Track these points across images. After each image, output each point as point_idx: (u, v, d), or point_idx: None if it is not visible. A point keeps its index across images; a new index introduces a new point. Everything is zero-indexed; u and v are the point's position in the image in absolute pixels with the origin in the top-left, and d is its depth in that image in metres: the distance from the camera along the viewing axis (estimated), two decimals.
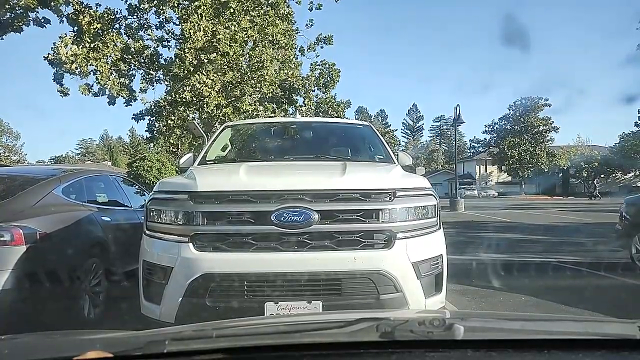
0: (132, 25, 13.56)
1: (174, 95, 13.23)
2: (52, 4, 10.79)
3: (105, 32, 12.36)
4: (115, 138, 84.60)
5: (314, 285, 2.64)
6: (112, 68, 12.63)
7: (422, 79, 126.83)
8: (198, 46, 11.81)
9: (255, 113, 13.74)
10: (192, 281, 2.62)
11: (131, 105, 13.65)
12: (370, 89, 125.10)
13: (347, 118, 20.87)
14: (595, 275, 5.94)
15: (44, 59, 12.02)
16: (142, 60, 13.70)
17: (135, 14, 13.41)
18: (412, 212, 2.82)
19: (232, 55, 12.22)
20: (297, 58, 17.10)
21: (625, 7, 77.80)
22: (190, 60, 11.90)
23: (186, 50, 11.91)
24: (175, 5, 12.91)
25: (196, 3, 11.90)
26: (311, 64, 17.54)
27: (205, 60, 12.03)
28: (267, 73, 13.28)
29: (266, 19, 13.59)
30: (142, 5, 13.02)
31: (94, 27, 11.86)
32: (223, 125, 4.99)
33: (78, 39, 11.76)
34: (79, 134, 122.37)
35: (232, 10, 12.46)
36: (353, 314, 1.61)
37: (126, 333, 1.22)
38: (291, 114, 15.84)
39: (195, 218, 2.71)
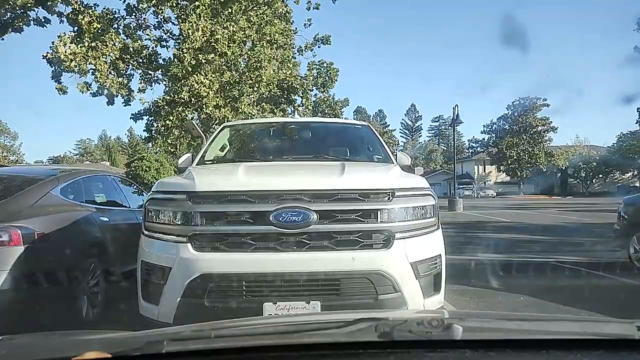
0: (131, 25, 13.55)
1: (172, 96, 13.21)
2: (49, 3, 10.74)
3: (104, 32, 12.34)
4: (114, 138, 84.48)
5: (313, 285, 2.65)
6: (111, 67, 12.60)
7: (420, 79, 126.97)
8: (196, 46, 11.80)
9: (252, 114, 13.72)
10: (190, 281, 2.62)
11: (130, 105, 13.62)
12: (369, 89, 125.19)
13: (345, 118, 20.87)
14: (593, 275, 5.94)
15: (43, 58, 11.96)
16: (141, 60, 13.68)
17: (134, 14, 13.39)
18: (410, 212, 2.82)
19: (230, 56, 12.21)
20: (295, 58, 17.08)
21: (624, 6, 77.93)
22: (189, 60, 11.88)
23: (184, 51, 11.90)
24: (174, 5, 12.89)
25: (195, 3, 11.89)
26: (308, 64, 17.53)
27: (204, 61, 12.01)
28: (264, 73, 13.26)
29: (263, 17, 13.57)
30: (140, 5, 13.00)
31: (95, 26, 11.83)
32: (222, 126, 4.98)
33: (78, 39, 11.73)
34: (77, 134, 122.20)
35: (230, 11, 12.45)
36: (352, 314, 1.61)
37: (124, 333, 1.22)
38: (290, 114, 15.82)
39: (194, 218, 2.71)
